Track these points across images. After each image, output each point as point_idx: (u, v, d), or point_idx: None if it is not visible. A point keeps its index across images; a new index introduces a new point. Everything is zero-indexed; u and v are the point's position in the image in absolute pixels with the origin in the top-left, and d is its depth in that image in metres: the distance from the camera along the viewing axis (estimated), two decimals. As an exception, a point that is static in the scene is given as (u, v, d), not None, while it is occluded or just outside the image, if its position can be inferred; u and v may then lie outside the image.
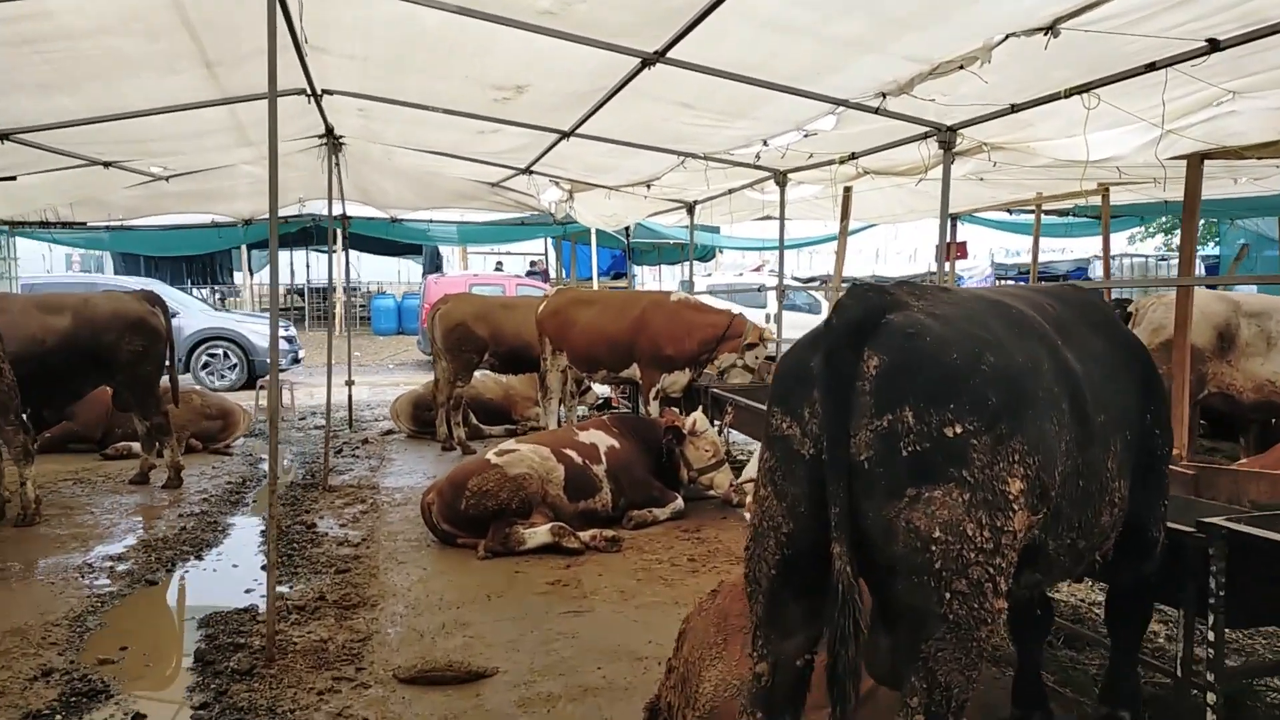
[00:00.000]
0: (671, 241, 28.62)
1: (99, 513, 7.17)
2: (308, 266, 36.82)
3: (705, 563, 5.72)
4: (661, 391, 8.54)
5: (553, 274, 28.07)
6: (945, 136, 5.92)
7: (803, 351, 2.46)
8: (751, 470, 4.41)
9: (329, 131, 8.20)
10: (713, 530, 6.47)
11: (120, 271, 26.10)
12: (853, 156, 7.15)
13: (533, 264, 28.76)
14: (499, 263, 27.88)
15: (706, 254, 29.38)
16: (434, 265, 27.47)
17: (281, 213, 11.54)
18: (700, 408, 7.50)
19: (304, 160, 10.55)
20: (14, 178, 8.18)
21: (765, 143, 6.66)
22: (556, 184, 10.21)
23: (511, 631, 4.68)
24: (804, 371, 2.36)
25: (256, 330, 14.69)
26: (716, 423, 7.60)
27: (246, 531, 6.86)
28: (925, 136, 6.06)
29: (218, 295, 31.84)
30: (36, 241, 13.48)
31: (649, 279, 39.13)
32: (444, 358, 9.74)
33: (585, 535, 6.03)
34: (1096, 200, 9.51)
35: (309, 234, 27.28)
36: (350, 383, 11.55)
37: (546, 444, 6.56)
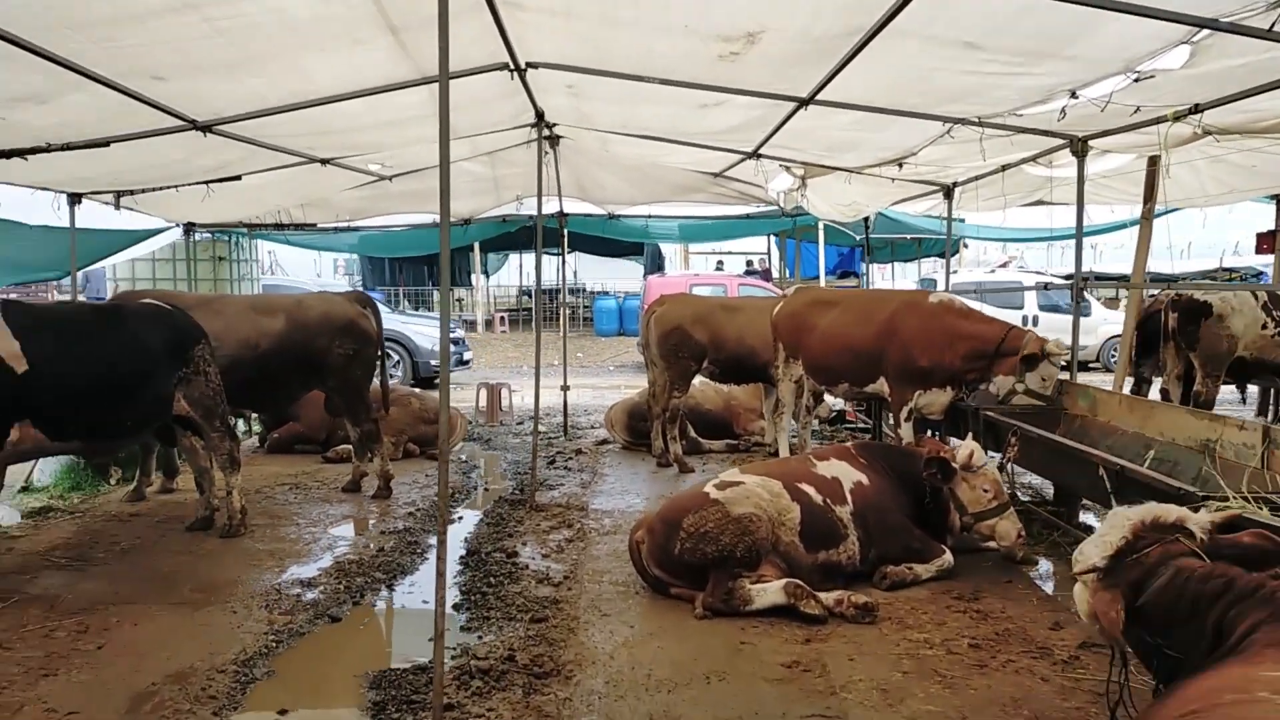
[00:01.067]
0: (908, 236, 26.47)
1: (304, 524, 6.84)
2: (537, 268, 37.96)
3: (994, 652, 4.29)
4: (915, 412, 7.08)
5: (774, 274, 26.73)
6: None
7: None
8: (1097, 546, 2.99)
9: (539, 118, 7.48)
10: (996, 600, 4.99)
11: (368, 274, 27.81)
12: (1194, 110, 5.35)
13: (750, 263, 27.57)
14: (719, 262, 26.93)
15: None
16: (655, 265, 27.02)
17: (497, 211, 11.16)
18: (970, 434, 5.98)
19: (521, 156, 10.04)
20: (239, 177, 8.15)
21: (1073, 94, 5.06)
22: (787, 169, 8.97)
23: (736, 739, 3.56)
24: None
25: (421, 331, 14.69)
26: (993, 455, 6.06)
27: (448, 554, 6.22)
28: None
29: (457, 300, 33.45)
30: (291, 246, 14.11)
31: (881, 278, 36.71)
32: (659, 364, 8.81)
33: (828, 598, 4.78)
34: None
35: (532, 230, 27.93)
36: (565, 388, 10.94)
37: (777, 477, 5.36)
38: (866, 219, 10.86)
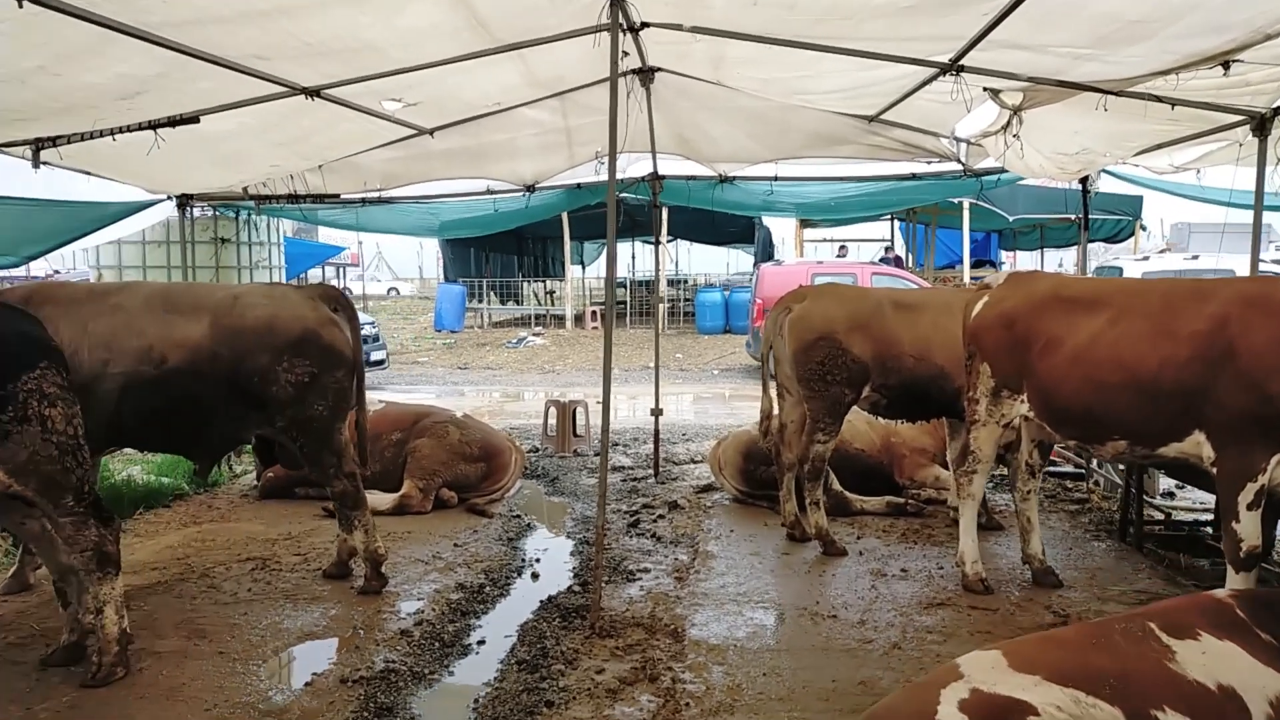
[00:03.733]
0: (1074, 216, 22.41)
1: (233, 653, 4.27)
2: (633, 258, 35.29)
3: None
4: (1268, 493, 4.00)
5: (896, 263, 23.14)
6: None
7: None
8: None
9: (624, 23, 4.72)
10: None
11: (449, 263, 25.60)
12: None
13: (888, 247, 24.16)
14: (842, 247, 23.63)
15: (1117, 230, 22.73)
16: (766, 254, 23.92)
17: (572, 178, 8.45)
18: None
19: (602, 99, 7.32)
20: (197, 119, 5.69)
21: None
22: (995, 96, 5.90)
23: None
24: None
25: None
26: None
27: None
28: None
29: (549, 292, 31.08)
30: (336, 229, 11.81)
31: (1026, 267, 32.42)
32: (794, 391, 5.90)
33: None
34: None
35: (629, 218, 25.13)
36: (658, 412, 8.15)
37: (1099, 684, 2.42)
38: (1085, 181, 7.62)
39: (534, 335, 21.77)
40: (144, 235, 9.29)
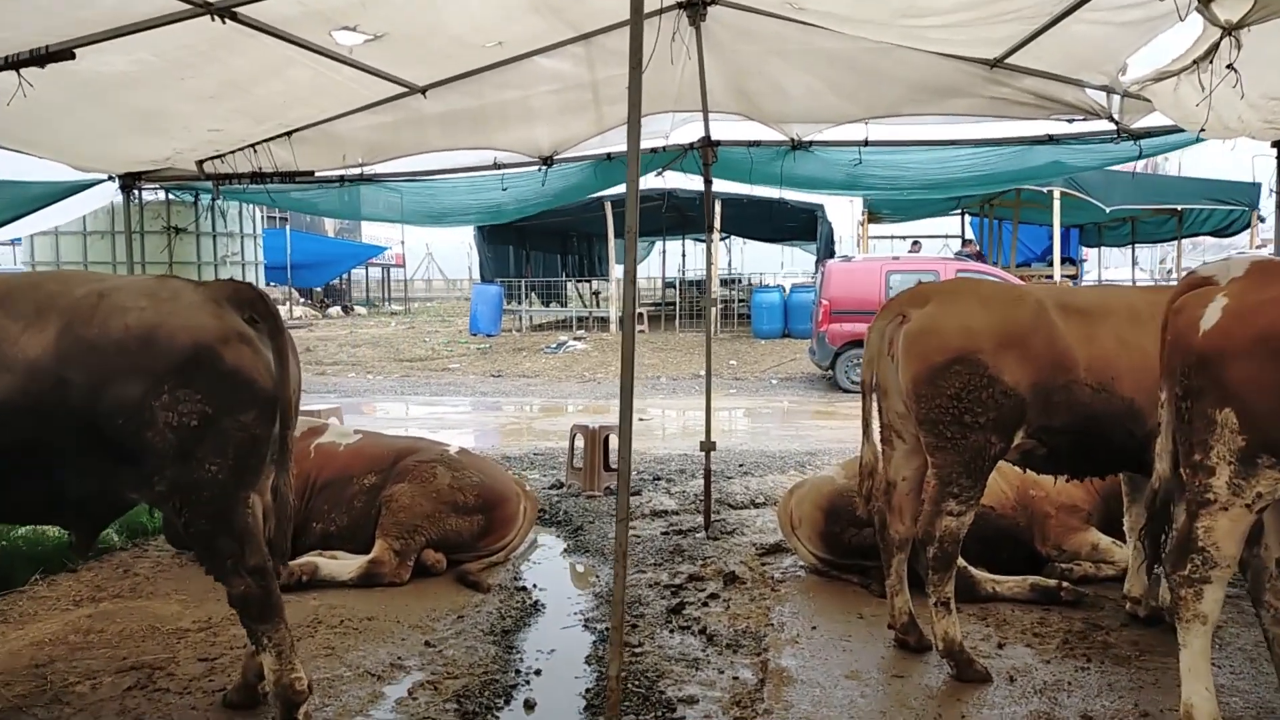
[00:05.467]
0: (1158, 207, 19.96)
1: None
2: (683, 255, 33.45)
3: None
4: None
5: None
6: None
7: None
8: None
9: None
10: None
11: (486, 261, 23.93)
12: None
13: (968, 241, 22.01)
14: (915, 241, 21.55)
15: (1228, 221, 20.21)
16: (828, 251, 21.92)
17: (601, 146, 6.72)
18: None
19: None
20: (71, 54, 4.09)
21: None
22: (1205, 6, 4.01)
23: None
24: None
25: None
26: None
27: None
28: None
29: (594, 293, 29.37)
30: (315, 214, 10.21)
31: (1111, 265, 29.76)
32: (907, 434, 4.05)
33: None
34: None
35: (679, 213, 23.27)
36: (709, 446, 6.37)
37: None
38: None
39: (574, 340, 20.11)
40: (85, 225, 7.86)
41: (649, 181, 8.26)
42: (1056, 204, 17.65)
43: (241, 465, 3.27)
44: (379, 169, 6.76)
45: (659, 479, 7.92)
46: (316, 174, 6.73)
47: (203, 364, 3.21)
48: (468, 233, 25.10)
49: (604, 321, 22.13)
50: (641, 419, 12.12)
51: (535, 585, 5.32)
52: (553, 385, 15.78)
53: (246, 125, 5.82)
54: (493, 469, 5.97)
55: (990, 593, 4.80)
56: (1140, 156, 6.06)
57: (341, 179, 6.74)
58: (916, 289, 4.10)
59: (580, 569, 5.78)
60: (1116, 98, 5.88)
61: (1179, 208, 19.50)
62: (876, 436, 4.13)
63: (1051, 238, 21.55)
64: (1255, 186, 18.17)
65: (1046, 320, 3.86)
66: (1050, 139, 6.05)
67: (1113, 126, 5.93)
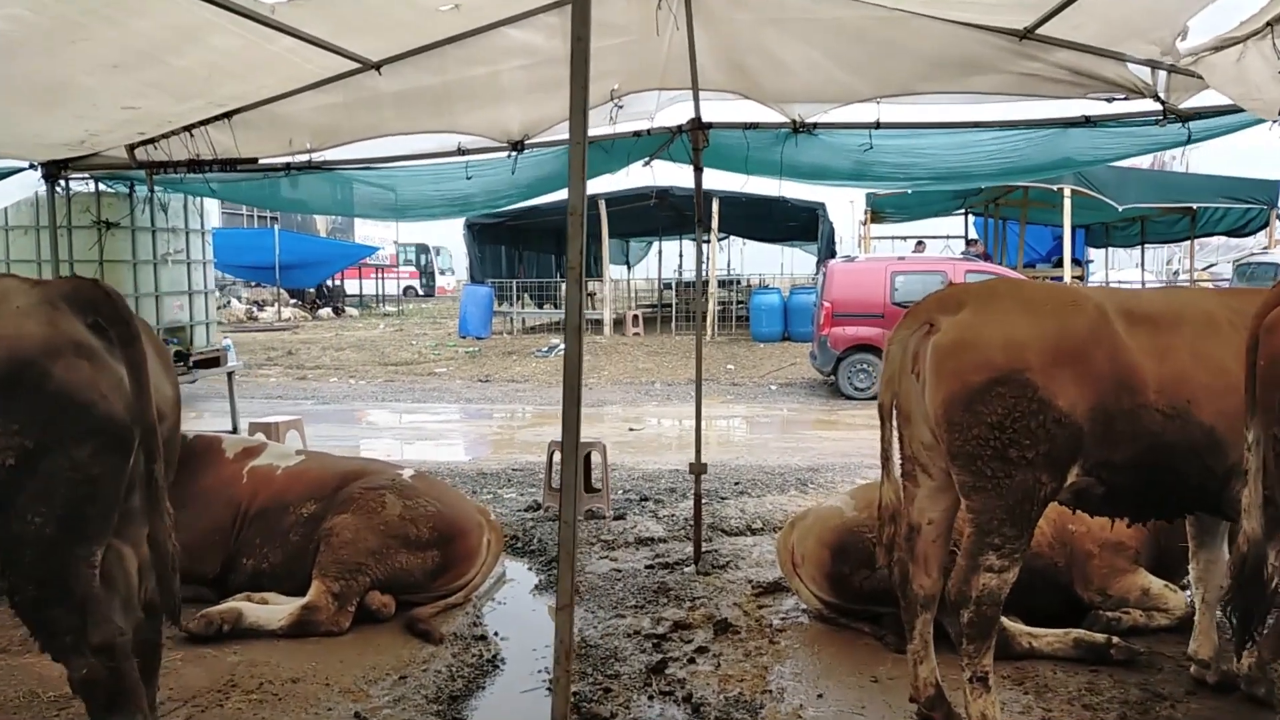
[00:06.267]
0: (1172, 205, 19.20)
1: None
2: (680, 255, 32.67)
3: None
4: None
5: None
6: None
7: None
8: None
9: None
10: None
11: (477, 261, 23.11)
12: None
13: (973, 241, 21.30)
14: (919, 241, 20.82)
15: (1244, 221, 19.47)
16: (830, 251, 21.18)
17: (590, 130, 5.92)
18: None
19: (615, 11, 4.92)
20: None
21: None
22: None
23: None
24: None
25: None
26: None
27: None
28: None
29: (589, 294, 28.60)
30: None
31: (1116, 266, 29.00)
32: (935, 468, 3.32)
33: None
34: None
35: (677, 212, 22.50)
36: (700, 470, 5.64)
37: None
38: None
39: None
40: (6, 218, 7.14)
41: (643, 178, 7.50)
42: (1067, 202, 16.89)
43: (76, 515, 2.55)
44: (330, 155, 6.04)
45: (646, 500, 7.19)
46: (260, 161, 6.00)
47: (23, 384, 2.48)
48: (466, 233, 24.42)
49: (597, 324, 21.38)
50: (632, 429, 11.39)
51: (497, 633, 4.60)
52: (541, 391, 15.04)
53: (166, 103, 5.09)
54: (452, 496, 5.24)
55: (1026, 648, 4.08)
56: (1189, 141, 5.32)
57: (288, 167, 6.00)
58: (947, 291, 3.36)
59: (552, 611, 5.05)
60: (1163, 74, 5.15)
61: (1194, 206, 18.75)
62: (898, 471, 3.40)
63: (1056, 238, 20.84)
64: (1274, 184, 17.44)
65: (1108, 330, 3.13)
66: (1087, 120, 5.32)
67: (1158, 107, 5.20)
